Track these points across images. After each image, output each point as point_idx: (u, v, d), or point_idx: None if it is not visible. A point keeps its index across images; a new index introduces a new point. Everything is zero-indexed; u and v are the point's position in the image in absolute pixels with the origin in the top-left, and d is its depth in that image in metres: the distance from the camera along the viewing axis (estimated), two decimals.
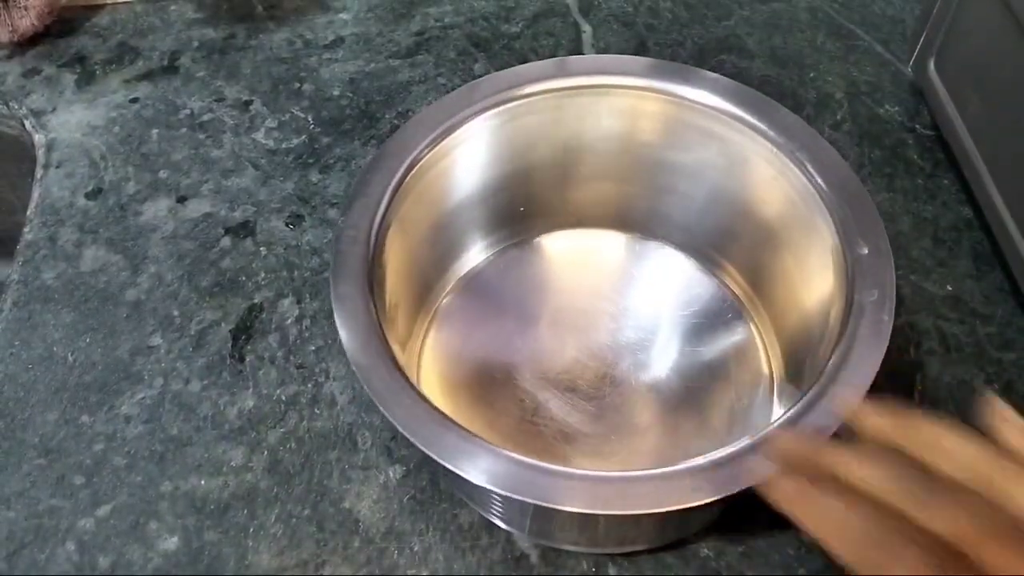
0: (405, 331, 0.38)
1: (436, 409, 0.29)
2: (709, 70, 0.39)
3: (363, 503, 0.36)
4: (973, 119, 0.43)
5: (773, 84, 0.52)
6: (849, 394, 0.29)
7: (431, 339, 0.41)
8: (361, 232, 0.34)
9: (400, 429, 0.29)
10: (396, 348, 0.32)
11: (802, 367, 0.35)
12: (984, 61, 0.42)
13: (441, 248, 0.41)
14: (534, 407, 0.38)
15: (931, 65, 0.47)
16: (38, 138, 0.51)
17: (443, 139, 0.37)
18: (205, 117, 0.51)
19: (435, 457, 0.28)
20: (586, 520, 0.32)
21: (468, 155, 0.39)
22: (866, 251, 0.32)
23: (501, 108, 0.39)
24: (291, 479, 0.37)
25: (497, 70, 0.40)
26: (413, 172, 0.36)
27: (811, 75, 0.53)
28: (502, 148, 0.40)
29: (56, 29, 0.57)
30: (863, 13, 0.56)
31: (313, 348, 0.41)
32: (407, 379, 0.30)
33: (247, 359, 0.41)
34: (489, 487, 0.27)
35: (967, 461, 0.23)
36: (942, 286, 0.42)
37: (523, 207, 0.43)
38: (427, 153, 0.37)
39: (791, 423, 0.28)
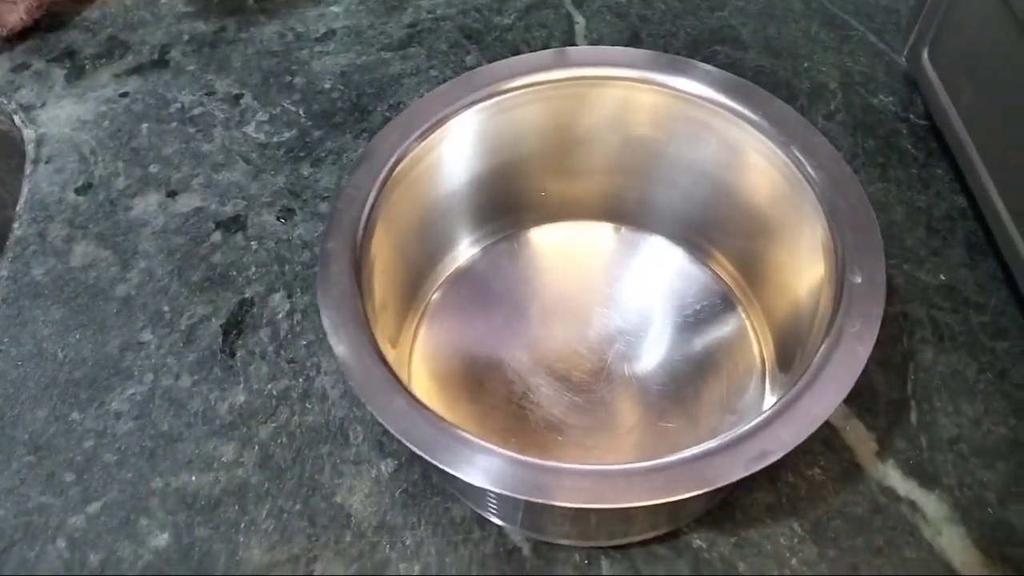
0: (395, 329, 0.38)
1: (426, 408, 0.29)
2: (702, 61, 0.39)
3: (355, 497, 0.36)
4: (967, 109, 0.43)
5: (767, 75, 0.52)
6: (838, 386, 0.29)
7: (422, 335, 0.40)
8: (347, 230, 0.34)
9: (392, 431, 0.28)
10: (386, 346, 0.32)
11: (793, 355, 0.35)
12: (978, 51, 0.42)
13: (430, 244, 0.41)
14: (523, 392, 0.38)
15: (925, 55, 0.47)
16: (27, 133, 0.51)
17: (431, 132, 0.37)
18: (195, 111, 0.51)
19: (427, 457, 0.28)
20: (578, 513, 0.31)
21: (457, 148, 0.39)
22: (859, 280, 0.32)
23: (492, 101, 0.38)
24: (282, 474, 0.37)
25: (489, 62, 0.40)
26: (400, 167, 0.36)
27: (805, 65, 0.52)
28: (492, 141, 0.39)
29: (45, 23, 0.57)
30: (857, 3, 0.56)
31: (304, 343, 0.41)
32: (397, 378, 0.30)
33: (238, 354, 0.41)
34: (481, 485, 0.27)
35: None
36: (935, 275, 0.42)
37: (543, 191, 0.43)
38: (415, 147, 0.36)
39: (781, 412, 0.28)
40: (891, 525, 0.35)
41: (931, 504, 0.35)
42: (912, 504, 0.35)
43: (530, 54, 0.40)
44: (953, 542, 0.34)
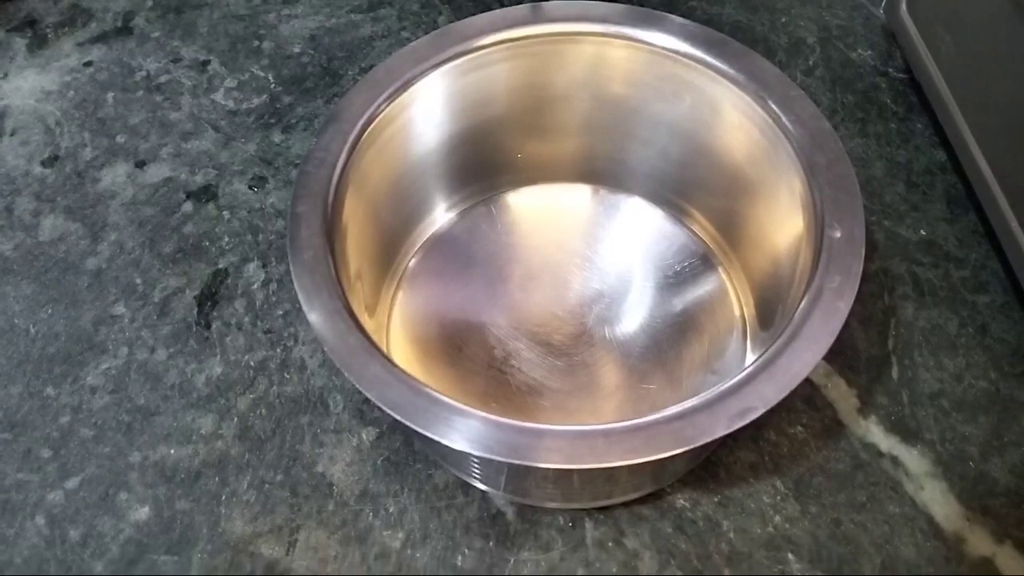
0: (372, 296, 0.38)
1: (403, 372, 0.29)
2: (679, 16, 0.38)
3: (336, 466, 0.36)
4: (946, 61, 0.43)
5: (744, 30, 0.51)
6: (818, 341, 0.28)
7: (399, 303, 0.40)
8: (317, 193, 0.33)
9: (370, 396, 0.28)
10: (363, 315, 0.31)
11: (773, 312, 0.35)
12: (956, 2, 0.41)
13: (405, 208, 0.40)
14: (503, 356, 0.38)
15: (903, 7, 0.46)
16: None
17: (401, 92, 0.36)
18: (162, 79, 0.50)
19: (405, 421, 0.27)
20: (561, 476, 0.31)
21: (428, 109, 0.38)
22: (839, 235, 0.31)
23: (463, 59, 0.37)
24: (262, 445, 0.36)
25: None
26: (370, 129, 0.35)
27: (783, 20, 0.52)
28: (464, 100, 0.39)
29: None
30: None
31: (281, 312, 0.40)
32: (373, 343, 0.29)
33: (213, 326, 0.40)
34: (461, 448, 0.27)
35: None
36: (916, 230, 0.42)
37: (520, 154, 0.42)
38: (385, 108, 0.35)
39: (762, 370, 0.28)
40: (873, 481, 0.35)
41: (913, 459, 0.35)
42: (894, 459, 0.35)
43: (502, 10, 0.39)
44: (935, 496, 0.34)
